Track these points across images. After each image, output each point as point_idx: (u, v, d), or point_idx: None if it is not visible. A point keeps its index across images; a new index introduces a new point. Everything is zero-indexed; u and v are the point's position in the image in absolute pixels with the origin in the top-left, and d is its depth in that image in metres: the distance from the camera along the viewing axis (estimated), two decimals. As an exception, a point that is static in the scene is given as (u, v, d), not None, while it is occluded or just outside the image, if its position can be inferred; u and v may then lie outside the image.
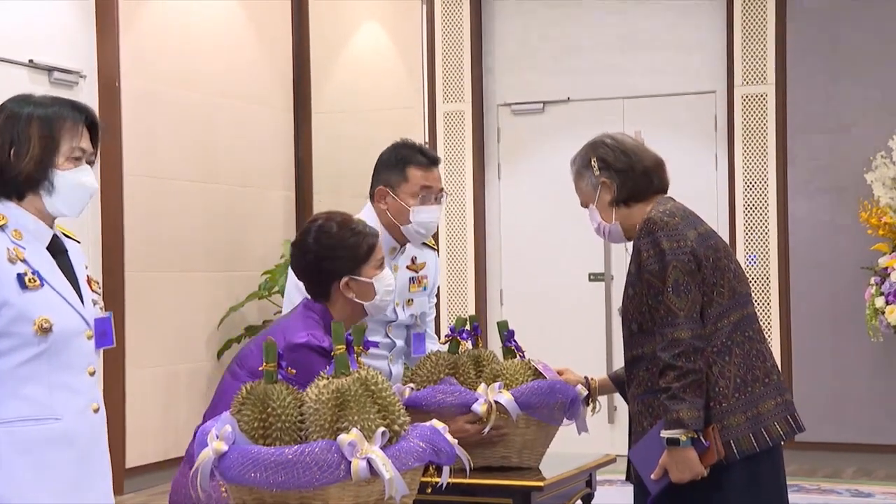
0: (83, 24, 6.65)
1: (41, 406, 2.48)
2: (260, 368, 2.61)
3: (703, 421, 2.89)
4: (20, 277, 2.47)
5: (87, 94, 6.54)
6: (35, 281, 2.49)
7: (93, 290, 2.64)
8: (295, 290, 3.47)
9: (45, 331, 2.47)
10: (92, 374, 2.57)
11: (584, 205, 3.22)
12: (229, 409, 2.76)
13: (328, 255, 3.16)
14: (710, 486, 2.94)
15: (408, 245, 3.74)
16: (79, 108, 2.61)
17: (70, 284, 2.57)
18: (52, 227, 2.60)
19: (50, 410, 2.49)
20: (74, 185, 2.57)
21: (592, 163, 3.16)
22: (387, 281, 3.21)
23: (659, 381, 2.92)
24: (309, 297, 3.22)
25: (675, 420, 2.87)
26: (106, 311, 2.67)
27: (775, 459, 3.04)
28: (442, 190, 3.72)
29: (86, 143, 2.60)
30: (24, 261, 2.50)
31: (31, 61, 6.30)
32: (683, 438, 2.87)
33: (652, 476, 2.96)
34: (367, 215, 3.64)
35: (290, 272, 3.56)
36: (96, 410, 2.58)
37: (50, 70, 6.39)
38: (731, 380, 2.95)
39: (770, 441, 2.96)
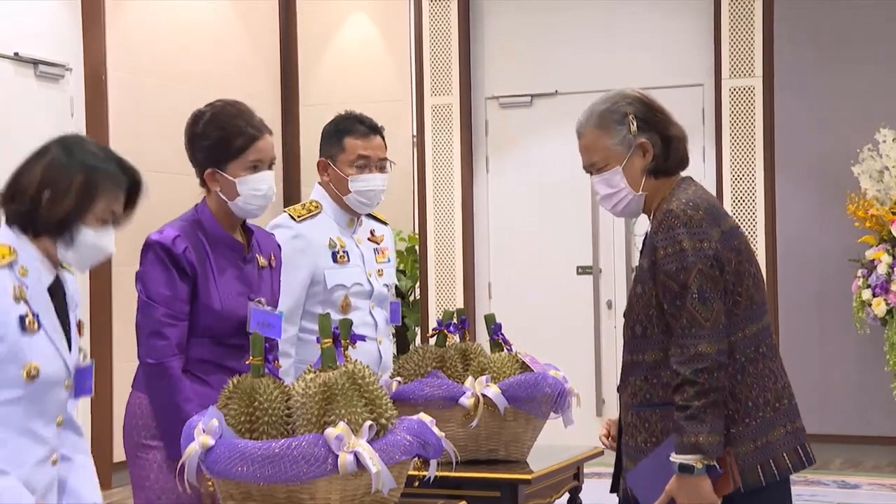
0: (69, 17, 6.61)
1: (7, 451, 2.39)
2: (247, 362, 2.61)
3: (723, 447, 2.56)
4: (21, 319, 2.39)
5: (74, 88, 6.52)
6: (34, 324, 2.41)
7: (80, 335, 2.58)
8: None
9: (31, 378, 2.40)
10: (59, 424, 2.50)
11: (603, 165, 2.74)
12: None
13: (195, 141, 3.11)
14: None
15: (364, 218, 3.73)
16: (125, 169, 2.55)
17: (62, 327, 2.50)
18: (55, 267, 2.53)
19: (16, 458, 2.40)
20: (93, 246, 2.50)
21: (630, 119, 2.70)
22: (255, 185, 3.04)
23: (674, 396, 2.58)
24: None
25: (693, 444, 2.53)
26: (89, 358, 2.58)
27: (783, 491, 2.72)
28: (384, 159, 3.66)
29: (118, 207, 2.54)
30: (26, 301, 2.42)
31: (16, 54, 6.26)
32: (699, 466, 2.54)
33: None
34: (317, 192, 3.67)
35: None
36: (55, 463, 2.50)
37: (35, 63, 6.36)
38: (743, 403, 2.62)
39: (777, 474, 2.63)
